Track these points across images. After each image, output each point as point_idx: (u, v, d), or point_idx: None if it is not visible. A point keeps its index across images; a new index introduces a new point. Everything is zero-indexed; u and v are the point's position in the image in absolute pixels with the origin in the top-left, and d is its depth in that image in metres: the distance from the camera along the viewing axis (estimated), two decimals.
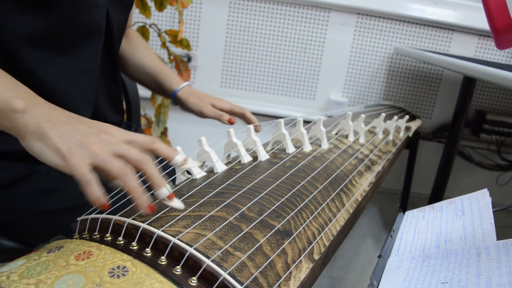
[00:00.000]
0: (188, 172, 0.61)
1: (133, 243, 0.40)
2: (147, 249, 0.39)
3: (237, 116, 0.87)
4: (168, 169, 0.67)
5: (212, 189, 0.52)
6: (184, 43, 1.46)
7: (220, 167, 0.62)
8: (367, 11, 1.78)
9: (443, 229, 0.58)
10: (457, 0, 1.77)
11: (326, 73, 1.89)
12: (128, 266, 0.37)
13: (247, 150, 0.70)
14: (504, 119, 1.85)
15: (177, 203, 0.46)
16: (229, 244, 0.42)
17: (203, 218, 0.45)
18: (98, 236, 0.43)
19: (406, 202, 1.79)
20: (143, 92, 1.21)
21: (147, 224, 0.42)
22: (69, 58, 0.61)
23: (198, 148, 0.64)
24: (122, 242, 0.41)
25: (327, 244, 0.53)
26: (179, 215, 0.45)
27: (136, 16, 1.66)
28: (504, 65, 1.41)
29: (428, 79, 1.90)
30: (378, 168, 0.84)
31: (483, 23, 1.75)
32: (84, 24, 0.61)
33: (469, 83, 1.38)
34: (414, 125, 1.39)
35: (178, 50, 1.75)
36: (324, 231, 0.54)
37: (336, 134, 0.91)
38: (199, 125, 2.04)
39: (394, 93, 1.93)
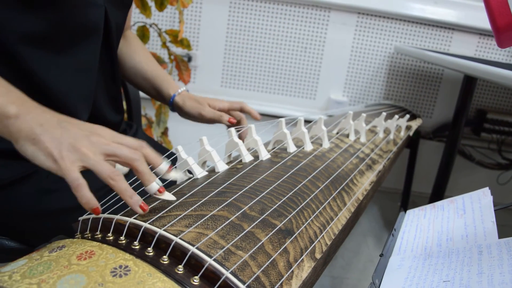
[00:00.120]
0: (190, 172, 0.61)
1: (135, 242, 0.40)
2: (149, 249, 0.39)
3: (237, 111, 0.87)
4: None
5: (213, 189, 0.52)
6: (184, 43, 1.46)
7: (221, 167, 0.62)
8: (367, 10, 1.78)
9: (445, 227, 0.58)
10: None
11: (326, 72, 1.89)
12: (130, 266, 0.37)
13: (248, 149, 0.70)
14: (504, 118, 1.85)
15: (168, 196, 0.48)
16: (231, 243, 0.42)
17: (205, 218, 0.45)
18: (100, 235, 0.43)
19: (407, 201, 1.79)
20: None
21: (149, 223, 0.42)
22: (68, 58, 0.61)
23: (199, 148, 0.64)
24: (124, 241, 0.41)
25: (328, 243, 0.53)
26: (181, 215, 0.45)
27: (136, 16, 1.66)
28: (505, 64, 1.41)
29: (428, 78, 1.90)
30: (379, 167, 0.84)
31: (483, 22, 1.75)
32: (82, 24, 0.61)
33: (469, 82, 1.38)
34: (415, 124, 1.39)
35: (178, 50, 1.75)
36: (326, 230, 0.54)
37: (337, 133, 0.91)
38: (200, 125, 2.04)
39: (394, 93, 1.93)
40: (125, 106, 1.06)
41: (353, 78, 1.91)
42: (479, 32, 1.81)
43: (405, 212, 0.68)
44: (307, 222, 0.52)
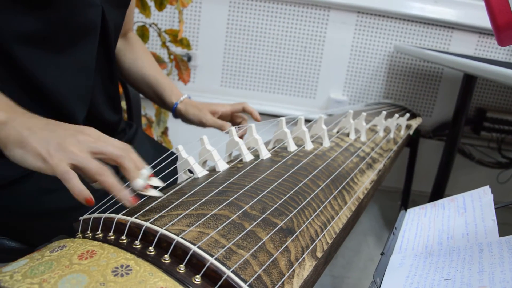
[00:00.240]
0: (190, 171, 0.61)
1: (136, 242, 0.40)
2: (150, 248, 0.39)
3: (239, 115, 0.88)
4: (169, 168, 0.66)
5: (214, 188, 0.52)
6: (184, 43, 1.46)
7: (222, 166, 0.62)
8: (367, 9, 1.78)
9: (445, 226, 0.58)
10: None
11: (326, 71, 1.89)
12: (132, 265, 0.36)
13: (249, 148, 0.70)
14: (504, 117, 1.85)
15: (153, 192, 0.48)
16: (232, 242, 0.42)
17: (206, 217, 0.45)
18: (101, 235, 0.43)
19: (407, 200, 1.79)
20: None
21: (150, 223, 0.42)
22: (65, 57, 0.61)
23: (200, 147, 0.64)
24: (125, 241, 0.41)
25: (329, 241, 0.53)
26: (182, 214, 0.45)
27: (136, 15, 1.66)
28: (504, 63, 1.41)
29: (428, 77, 1.90)
30: (379, 166, 0.84)
31: (483, 21, 1.75)
32: (79, 23, 0.61)
33: (469, 81, 1.39)
34: (415, 123, 1.39)
35: (178, 50, 1.75)
36: (327, 228, 0.54)
37: (337, 132, 0.91)
38: None
39: (394, 92, 1.93)
40: (124, 106, 1.06)
41: (353, 77, 1.91)
42: (478, 31, 1.81)
43: (406, 210, 0.68)
44: (308, 221, 0.52)
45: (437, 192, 1.52)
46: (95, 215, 0.45)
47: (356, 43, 1.85)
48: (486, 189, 0.61)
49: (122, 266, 0.36)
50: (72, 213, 0.59)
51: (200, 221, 0.44)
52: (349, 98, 1.93)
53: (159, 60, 1.46)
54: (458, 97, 1.44)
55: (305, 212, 0.54)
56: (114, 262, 0.37)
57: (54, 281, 0.34)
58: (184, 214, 0.45)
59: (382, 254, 0.54)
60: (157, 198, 0.49)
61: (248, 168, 0.61)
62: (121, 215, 0.44)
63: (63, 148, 0.44)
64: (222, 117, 0.86)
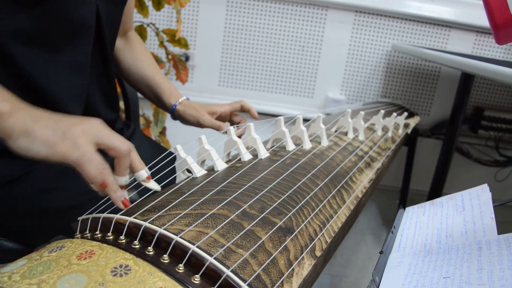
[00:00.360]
0: (189, 171, 0.61)
1: (135, 242, 0.40)
2: (149, 248, 0.39)
3: (238, 115, 0.88)
4: (168, 168, 0.66)
5: (213, 187, 0.52)
6: (182, 42, 1.46)
7: (221, 165, 0.62)
8: (364, 8, 1.78)
9: (444, 224, 0.58)
10: None
11: (324, 71, 1.89)
12: (131, 265, 0.36)
13: (247, 148, 0.70)
14: (501, 115, 1.86)
15: (154, 185, 0.49)
16: (231, 241, 0.42)
17: (205, 216, 0.45)
18: (99, 235, 0.43)
19: (405, 199, 1.79)
20: None
21: (148, 222, 0.42)
22: (60, 55, 0.61)
23: (198, 147, 0.64)
24: (124, 241, 0.41)
25: (328, 240, 0.53)
26: (180, 214, 0.45)
27: (133, 15, 1.65)
28: (502, 62, 1.42)
29: (426, 76, 1.90)
30: (377, 164, 0.84)
31: (480, 20, 1.76)
32: (73, 21, 0.61)
33: (467, 79, 1.39)
34: (413, 122, 1.39)
35: (176, 49, 1.75)
36: (326, 227, 0.54)
37: (336, 131, 0.91)
38: None
39: (392, 91, 1.93)
40: (122, 106, 1.06)
41: (350, 77, 1.91)
42: (476, 30, 1.82)
43: (404, 209, 0.68)
44: (307, 220, 0.52)
45: (435, 191, 1.53)
46: (94, 215, 0.45)
47: (354, 42, 1.85)
48: (485, 187, 0.61)
49: (121, 266, 0.36)
50: (70, 213, 0.59)
51: (199, 221, 0.43)
52: (347, 97, 1.93)
53: (157, 60, 1.46)
54: (455, 96, 1.44)
55: (304, 211, 0.54)
56: (113, 262, 0.36)
57: (53, 282, 0.33)
58: (183, 213, 0.45)
59: (381, 252, 0.54)
60: (155, 198, 0.49)
61: (246, 167, 0.61)
62: (120, 215, 0.44)
63: (69, 135, 0.44)
64: (221, 117, 0.86)
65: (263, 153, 0.67)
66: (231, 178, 0.56)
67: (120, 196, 0.45)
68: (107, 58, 0.71)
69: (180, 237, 0.39)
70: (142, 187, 0.51)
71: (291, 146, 0.73)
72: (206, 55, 1.87)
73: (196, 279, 0.37)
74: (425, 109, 1.95)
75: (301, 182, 0.59)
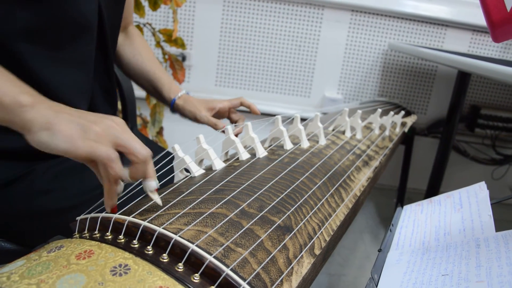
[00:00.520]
0: (187, 170, 0.61)
1: (134, 241, 0.40)
2: (148, 247, 0.39)
3: (236, 113, 0.88)
4: (166, 167, 0.66)
5: (211, 186, 0.52)
6: (178, 42, 1.46)
7: (219, 165, 0.62)
8: (361, 8, 1.79)
9: (442, 222, 0.58)
10: None
11: (320, 70, 1.90)
12: (130, 264, 0.36)
13: (245, 147, 0.70)
14: (498, 114, 1.86)
15: (158, 199, 0.47)
16: (230, 240, 0.42)
17: (204, 215, 0.44)
18: (98, 235, 0.43)
19: (402, 198, 1.79)
20: (139, 92, 1.20)
21: (147, 222, 0.42)
22: (63, 52, 0.61)
23: (196, 146, 0.64)
24: (123, 240, 0.41)
25: (327, 239, 0.53)
26: (179, 213, 0.45)
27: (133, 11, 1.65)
28: (498, 60, 1.42)
29: (422, 74, 1.91)
30: (375, 163, 0.84)
31: (476, 19, 1.76)
32: (76, 18, 0.61)
33: (463, 78, 1.39)
34: (410, 120, 1.39)
35: (172, 49, 1.74)
36: (325, 226, 0.54)
37: (333, 130, 0.91)
38: (195, 125, 2.04)
39: (389, 90, 1.93)
40: (119, 106, 1.06)
41: (347, 76, 1.91)
42: (472, 28, 1.82)
43: (402, 207, 0.69)
44: (306, 218, 0.52)
45: (433, 189, 1.53)
46: (92, 215, 0.45)
47: (350, 41, 1.86)
48: (482, 185, 0.61)
49: (120, 265, 0.36)
50: (68, 214, 0.59)
51: (198, 220, 0.43)
52: (343, 97, 1.93)
53: None
54: (452, 95, 1.45)
55: (302, 210, 0.54)
56: (112, 261, 0.36)
57: (52, 282, 0.33)
58: (181, 213, 0.45)
59: (379, 250, 0.54)
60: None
61: (244, 166, 0.61)
62: (119, 214, 0.44)
63: (92, 132, 0.42)
64: (219, 112, 0.87)
65: (261, 152, 0.67)
66: (230, 177, 0.56)
67: (113, 204, 0.45)
68: (108, 55, 0.71)
69: (179, 236, 0.39)
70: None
71: (289, 145, 0.73)
72: (202, 55, 1.86)
73: (196, 278, 0.37)
74: (422, 108, 1.95)
75: (299, 180, 0.60)
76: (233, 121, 0.89)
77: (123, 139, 0.44)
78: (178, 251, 0.39)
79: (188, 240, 0.39)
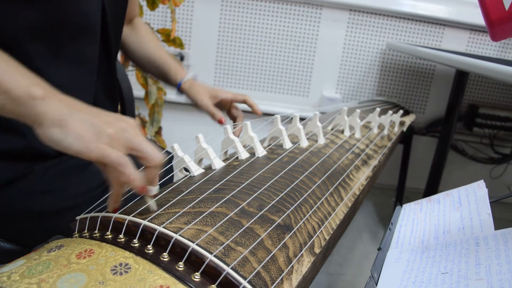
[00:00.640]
0: (186, 170, 0.61)
1: (134, 240, 0.40)
2: (148, 246, 0.39)
3: (237, 108, 0.89)
4: (166, 167, 0.66)
5: (211, 186, 0.52)
6: (177, 42, 1.45)
7: (218, 164, 0.62)
8: (359, 7, 1.79)
9: (441, 220, 0.58)
10: None
11: (319, 69, 1.90)
12: (131, 263, 0.36)
13: (244, 146, 0.70)
14: (496, 113, 1.87)
15: (153, 204, 0.46)
16: (230, 239, 0.42)
17: (204, 214, 0.44)
18: (98, 234, 0.43)
19: (401, 197, 1.80)
20: (137, 92, 1.20)
21: (147, 221, 0.42)
22: (66, 51, 0.61)
23: (195, 146, 0.64)
24: (123, 239, 0.41)
25: (327, 237, 0.53)
26: (179, 212, 0.45)
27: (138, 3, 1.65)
28: (496, 59, 1.42)
29: (420, 74, 1.91)
30: (374, 162, 0.84)
31: (474, 18, 1.77)
32: (78, 17, 0.61)
33: (461, 77, 1.39)
34: (408, 119, 1.39)
35: (171, 49, 1.74)
36: (324, 225, 0.54)
37: (332, 129, 0.91)
38: (193, 124, 2.04)
39: (387, 89, 1.93)
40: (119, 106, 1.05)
41: (345, 75, 1.91)
42: (470, 28, 1.82)
43: (401, 206, 0.69)
44: (305, 217, 0.53)
45: (431, 189, 1.53)
46: (92, 214, 0.45)
47: (348, 41, 1.86)
48: (481, 184, 0.61)
49: (121, 264, 0.36)
50: (68, 214, 0.59)
51: (198, 219, 0.43)
52: (342, 96, 1.94)
53: None
54: (450, 94, 1.45)
55: (302, 209, 0.54)
56: (113, 260, 0.36)
57: (53, 281, 0.33)
58: (181, 212, 0.45)
59: (379, 249, 0.55)
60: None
61: (244, 165, 0.61)
62: (119, 213, 0.44)
63: (106, 134, 0.42)
64: (222, 103, 0.87)
65: (260, 152, 0.67)
66: (229, 176, 0.56)
67: (115, 206, 0.44)
68: (111, 53, 0.71)
69: (180, 235, 0.39)
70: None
71: (288, 144, 0.73)
72: (201, 54, 1.86)
73: (196, 276, 0.37)
74: (420, 107, 1.96)
75: (298, 179, 0.60)
76: (232, 117, 0.89)
77: (136, 143, 0.43)
78: (178, 250, 0.39)
79: (188, 239, 0.39)
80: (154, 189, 0.45)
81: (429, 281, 0.43)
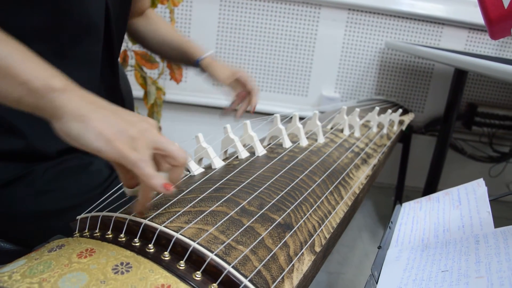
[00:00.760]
0: (186, 169, 0.61)
1: (135, 239, 0.40)
2: (149, 245, 0.39)
3: (245, 89, 0.94)
4: None
5: (211, 185, 0.52)
6: None
7: (218, 163, 0.62)
8: (357, 6, 1.79)
9: (441, 219, 0.58)
10: None
11: (318, 69, 1.90)
12: (132, 262, 0.36)
13: (244, 145, 0.70)
14: (495, 111, 1.87)
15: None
16: (231, 238, 0.42)
17: (204, 213, 0.45)
18: (99, 234, 0.43)
19: (400, 196, 1.80)
20: (136, 92, 1.20)
21: (148, 220, 0.42)
22: (70, 52, 0.61)
23: (195, 145, 0.64)
24: (124, 239, 0.41)
25: (327, 236, 0.53)
26: (180, 211, 0.45)
27: None
28: (494, 58, 1.43)
29: (419, 73, 1.91)
30: (374, 161, 0.85)
31: (472, 17, 1.77)
32: (82, 17, 0.61)
33: (460, 76, 1.40)
34: (407, 118, 1.40)
35: None
36: (324, 223, 0.54)
37: (331, 128, 0.92)
38: (192, 124, 2.03)
39: (386, 88, 1.94)
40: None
41: (344, 74, 1.91)
42: (468, 27, 1.83)
43: (401, 205, 0.69)
44: (306, 216, 0.53)
45: (430, 187, 1.53)
46: (93, 213, 0.45)
47: (347, 40, 1.86)
48: (480, 182, 0.62)
49: (122, 263, 0.36)
50: (68, 213, 0.59)
51: (199, 218, 0.44)
52: (341, 95, 1.94)
53: (150, 60, 1.45)
54: (449, 93, 1.45)
55: (302, 208, 0.54)
56: (114, 259, 0.36)
57: (54, 280, 0.33)
58: (182, 211, 0.45)
59: (379, 248, 0.55)
60: (154, 196, 0.49)
61: (244, 165, 0.61)
62: (119, 213, 0.44)
63: (128, 134, 0.40)
64: (238, 80, 0.93)
65: (260, 151, 0.68)
66: (229, 175, 0.56)
67: (162, 185, 0.41)
68: (113, 52, 0.71)
69: (181, 234, 0.40)
70: None
71: (287, 143, 0.73)
72: None
73: (198, 275, 0.37)
74: (419, 106, 1.96)
75: (298, 178, 0.60)
76: (240, 96, 0.94)
77: (161, 143, 0.42)
78: (179, 249, 0.39)
79: (189, 238, 0.39)
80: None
81: (429, 279, 0.43)
